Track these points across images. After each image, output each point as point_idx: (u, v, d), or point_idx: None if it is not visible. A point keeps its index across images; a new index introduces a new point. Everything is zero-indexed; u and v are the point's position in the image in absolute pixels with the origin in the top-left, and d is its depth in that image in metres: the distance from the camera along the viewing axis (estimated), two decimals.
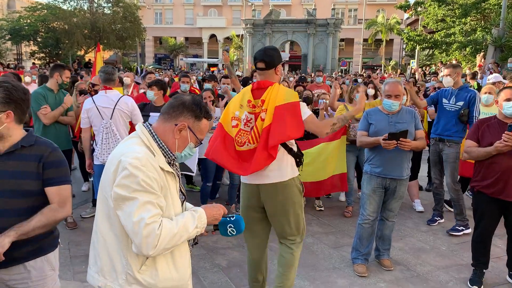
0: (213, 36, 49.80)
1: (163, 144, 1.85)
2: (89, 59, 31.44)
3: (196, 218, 1.83)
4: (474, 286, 3.77)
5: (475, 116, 4.86)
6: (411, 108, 4.34)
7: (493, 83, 7.00)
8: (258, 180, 3.07)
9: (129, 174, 1.68)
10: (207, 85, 6.71)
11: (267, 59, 3.05)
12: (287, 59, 36.65)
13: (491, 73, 11.09)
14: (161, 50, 50.18)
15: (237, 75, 12.97)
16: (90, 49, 34.42)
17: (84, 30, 33.05)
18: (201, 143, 1.96)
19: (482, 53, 14.77)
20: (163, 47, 49.07)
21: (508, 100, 3.59)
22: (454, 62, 17.59)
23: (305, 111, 3.02)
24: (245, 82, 7.29)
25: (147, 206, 1.69)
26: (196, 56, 49.87)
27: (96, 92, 5.03)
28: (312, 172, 5.19)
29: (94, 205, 5.51)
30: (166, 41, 47.73)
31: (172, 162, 1.89)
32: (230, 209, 5.47)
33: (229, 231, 1.95)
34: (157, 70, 26.35)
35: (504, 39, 12.72)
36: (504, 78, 8.72)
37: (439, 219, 5.34)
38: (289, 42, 38.00)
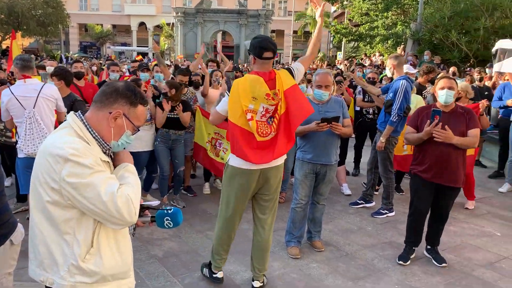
0: (142, 24, 48.15)
1: (97, 134, 1.79)
2: (7, 47, 29.08)
3: (131, 171, 1.86)
4: (400, 261, 4.08)
5: (397, 106, 4.91)
6: (339, 98, 4.57)
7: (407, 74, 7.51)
8: (268, 164, 3.24)
9: (75, 163, 1.64)
10: (143, 75, 6.55)
11: (275, 48, 3.23)
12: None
13: (411, 64, 11.89)
14: (86, 37, 47.59)
15: (167, 64, 12.72)
16: (7, 36, 31.82)
17: (0, 15, 30.46)
18: (138, 130, 1.92)
19: (402, 46, 15.74)
20: (89, 34, 46.56)
21: (442, 88, 3.88)
22: (377, 54, 18.58)
23: None
24: (180, 71, 7.20)
25: (108, 181, 1.69)
26: (124, 44, 47.96)
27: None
28: None
29: (19, 200, 5.21)
30: (92, 29, 45.35)
31: (107, 151, 1.85)
32: (162, 201, 5.43)
33: (166, 224, 1.92)
34: (84, 58, 25.05)
35: (421, 33, 13.65)
36: (417, 69, 9.37)
37: (362, 202, 5.67)
38: (221, 32, 37.83)
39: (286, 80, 3.22)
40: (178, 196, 5.60)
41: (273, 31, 43.28)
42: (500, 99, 6.89)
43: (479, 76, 8.85)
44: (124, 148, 1.94)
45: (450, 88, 3.85)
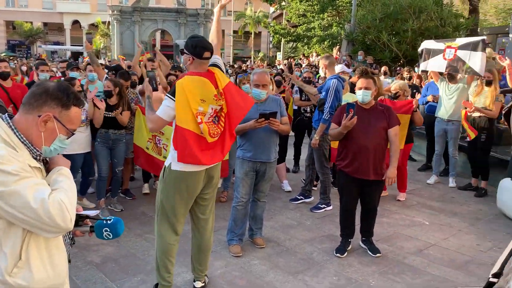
0: (76, 22, 46.07)
1: (25, 139, 1.66)
2: None
3: (66, 174, 1.75)
4: (337, 254, 4.24)
5: (329, 105, 5.09)
6: (277, 97, 4.65)
7: (339, 73, 7.83)
8: (214, 161, 3.21)
9: None
10: (73, 74, 6.27)
11: (213, 48, 3.18)
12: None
13: (345, 64, 12.36)
14: (15, 36, 44.73)
15: (102, 64, 12.28)
16: None
17: None
18: (74, 134, 1.80)
19: (338, 46, 16.30)
20: (17, 32, 43.78)
21: (359, 88, 4.08)
22: (315, 54, 19.11)
23: None
24: (117, 71, 6.99)
25: (37, 187, 1.56)
26: (57, 43, 45.66)
27: None
28: None
29: None
30: (20, 26, 42.68)
31: (38, 157, 1.72)
32: (99, 204, 5.24)
33: (105, 235, 1.82)
34: (11, 58, 23.52)
35: (355, 34, 14.21)
36: (352, 69, 9.77)
37: (302, 198, 5.82)
38: (159, 31, 37.12)
39: (222, 77, 3.22)
40: (116, 199, 5.43)
41: None
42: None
43: (408, 75, 9.39)
44: (58, 154, 1.82)
45: (366, 88, 4.05)
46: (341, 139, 4.13)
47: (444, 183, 6.75)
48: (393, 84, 6.25)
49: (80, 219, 1.81)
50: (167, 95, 3.09)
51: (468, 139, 6.39)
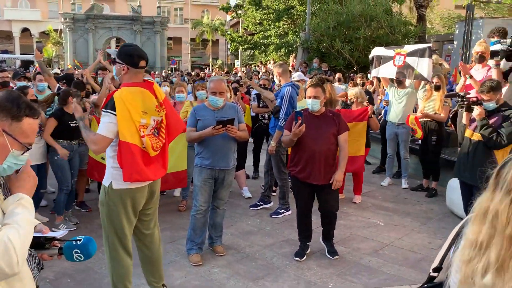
0: (26, 30, 44.32)
1: None
2: None
3: (26, 205, 1.54)
4: (296, 258, 4.30)
5: (284, 112, 5.18)
6: (234, 104, 4.69)
7: (297, 81, 8.01)
8: (158, 176, 3.12)
9: None
10: (20, 83, 6.04)
11: (147, 57, 3.10)
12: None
13: (302, 71, 12.61)
14: None
15: (55, 73, 11.90)
16: None
17: None
18: (29, 148, 1.61)
19: (294, 54, 16.62)
20: None
21: (309, 97, 4.20)
22: (272, 62, 19.36)
23: None
24: (68, 80, 6.81)
25: None
26: (5, 52, 43.62)
27: None
28: None
29: None
30: None
31: None
32: (56, 221, 5.07)
33: (76, 257, 1.69)
34: None
35: (310, 42, 14.54)
36: (308, 76, 9.99)
37: (261, 204, 5.86)
38: (114, 39, 36.38)
39: (159, 90, 3.15)
40: (71, 212, 5.27)
41: (169, 38, 42.75)
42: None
43: (361, 81, 9.71)
44: (17, 171, 1.61)
45: (315, 97, 4.16)
46: (293, 145, 4.23)
47: (397, 185, 7.01)
48: (350, 92, 6.44)
49: (47, 242, 1.69)
50: (106, 111, 2.89)
51: (414, 136, 6.66)
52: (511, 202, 1.23)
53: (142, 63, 3.00)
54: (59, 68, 25.76)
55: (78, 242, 1.71)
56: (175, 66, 35.23)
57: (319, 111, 4.22)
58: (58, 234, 1.78)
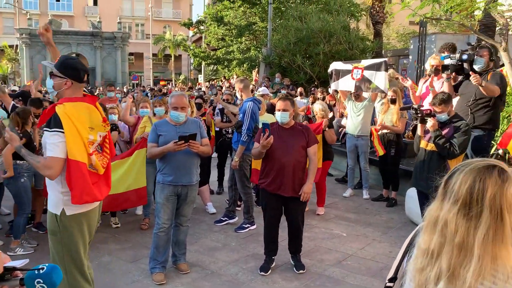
0: None
1: None
2: None
3: None
4: (261, 272, 4.30)
5: (246, 127, 5.20)
6: (196, 119, 4.69)
7: (262, 95, 8.10)
8: (104, 195, 2.98)
9: None
10: None
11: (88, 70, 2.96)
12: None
13: (265, 86, 12.76)
14: None
15: (13, 90, 11.50)
16: None
17: None
18: None
19: (256, 69, 16.81)
20: None
21: (278, 110, 4.26)
22: (235, 76, 19.51)
23: None
24: (25, 97, 6.60)
25: None
26: None
27: None
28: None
29: None
30: None
31: None
32: (11, 245, 4.85)
33: (38, 287, 1.55)
34: None
35: (272, 57, 14.79)
36: (271, 90, 10.12)
37: (226, 219, 5.84)
38: (74, 55, 35.59)
39: (98, 105, 3.04)
40: (26, 234, 5.06)
41: (131, 54, 42.30)
42: None
43: (322, 96, 9.93)
44: None
45: (284, 110, 4.24)
46: (263, 158, 4.26)
47: (359, 195, 7.17)
48: (316, 107, 6.55)
49: (7, 272, 1.57)
50: (52, 131, 2.67)
51: (376, 155, 6.89)
52: (459, 211, 1.30)
53: (85, 77, 2.88)
54: (15, 85, 24.86)
55: (41, 271, 1.58)
56: (137, 81, 34.82)
57: (288, 124, 4.28)
58: (18, 263, 1.67)
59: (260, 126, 5.56)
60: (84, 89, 3.02)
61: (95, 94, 13.03)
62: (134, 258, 4.67)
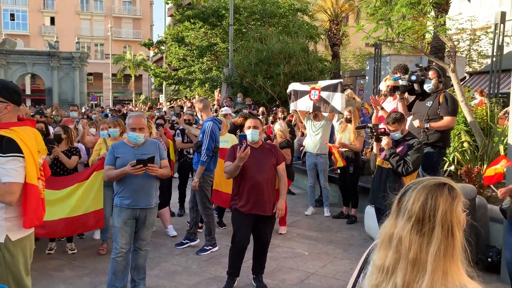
0: None
1: None
2: None
3: None
4: None
5: (205, 147, 5.18)
6: (155, 140, 4.63)
7: (224, 115, 8.15)
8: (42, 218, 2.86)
9: None
10: None
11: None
12: None
13: (227, 106, 12.83)
14: None
15: None
16: None
17: None
18: None
19: (218, 89, 16.90)
20: None
21: (248, 128, 4.29)
22: (197, 97, 19.48)
23: None
24: None
25: None
26: None
27: None
28: (62, 209, 4.96)
29: None
30: None
31: None
32: None
33: None
34: None
35: (233, 77, 14.94)
36: (232, 110, 10.19)
37: (187, 242, 5.74)
38: (29, 75, 34.56)
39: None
40: None
41: (90, 74, 41.48)
42: None
43: (283, 115, 10.09)
44: None
45: (255, 127, 4.29)
46: (235, 177, 4.22)
47: (320, 213, 7.26)
48: (276, 128, 6.65)
49: None
50: (7, 156, 2.56)
51: (334, 166, 7.02)
52: (412, 227, 1.34)
53: (21, 100, 2.84)
54: None
55: None
56: (96, 102, 34.09)
57: (257, 143, 4.31)
58: None
59: (221, 146, 5.60)
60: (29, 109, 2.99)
61: (52, 115, 12.60)
62: (91, 285, 4.50)
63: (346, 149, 6.83)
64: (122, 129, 5.57)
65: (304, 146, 8.41)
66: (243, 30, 18.15)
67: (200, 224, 6.09)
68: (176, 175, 7.65)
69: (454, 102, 5.31)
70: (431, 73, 5.32)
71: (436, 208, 1.32)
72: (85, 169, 5.76)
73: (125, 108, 20.25)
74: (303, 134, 9.32)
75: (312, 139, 7.21)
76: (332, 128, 7.57)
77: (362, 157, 7.64)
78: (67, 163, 5.38)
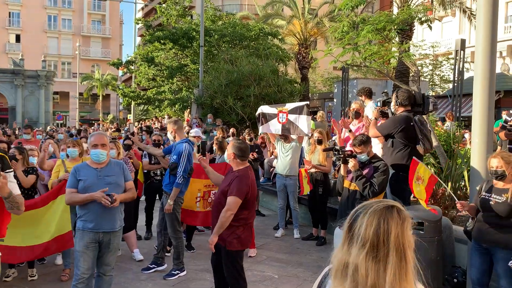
0: None
1: None
2: None
3: None
4: None
5: (182, 169, 5.11)
6: (119, 161, 4.52)
7: (194, 137, 8.08)
8: None
9: None
10: None
11: None
12: None
13: (197, 126, 12.74)
14: None
15: None
16: None
17: None
18: None
19: (188, 109, 16.82)
20: None
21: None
22: (166, 117, 19.31)
23: None
24: None
25: None
26: None
27: None
28: (29, 237, 4.76)
29: None
30: None
31: None
32: None
33: None
34: None
35: (203, 98, 14.91)
36: (202, 130, 10.14)
37: (154, 266, 5.57)
38: None
39: None
40: None
41: (56, 93, 40.56)
42: None
43: (249, 137, 10.10)
44: None
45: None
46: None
47: (290, 235, 7.22)
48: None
49: None
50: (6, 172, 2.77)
51: (300, 193, 7.08)
52: (367, 254, 1.32)
53: None
54: None
55: None
56: (62, 121, 33.26)
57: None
58: None
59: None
60: None
61: (16, 134, 12.16)
62: None
63: (316, 170, 6.88)
64: (81, 149, 5.40)
65: (274, 167, 8.42)
66: (214, 51, 18.25)
67: (168, 248, 5.93)
68: (143, 197, 7.47)
69: (390, 121, 5.29)
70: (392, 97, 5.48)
71: (389, 232, 1.32)
72: (46, 191, 5.54)
73: (92, 128, 19.83)
74: (272, 154, 9.35)
75: (282, 160, 7.24)
76: (302, 149, 7.62)
77: (331, 178, 7.71)
78: (23, 181, 5.12)
